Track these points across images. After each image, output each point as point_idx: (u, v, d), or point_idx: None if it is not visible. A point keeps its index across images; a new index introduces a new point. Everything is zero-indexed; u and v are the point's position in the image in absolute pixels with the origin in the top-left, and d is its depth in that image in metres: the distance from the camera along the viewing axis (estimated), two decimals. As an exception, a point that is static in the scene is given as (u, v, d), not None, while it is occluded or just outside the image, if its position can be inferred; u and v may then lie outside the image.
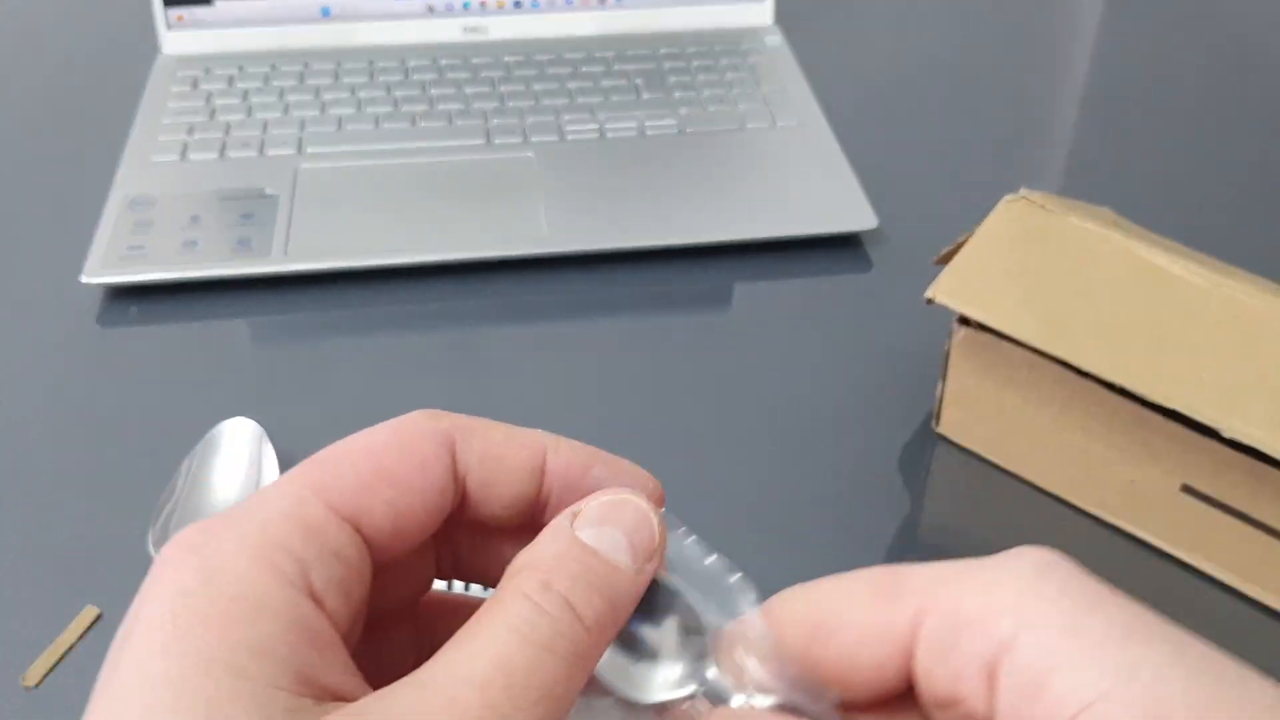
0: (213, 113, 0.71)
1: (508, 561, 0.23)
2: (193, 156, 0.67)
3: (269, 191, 0.64)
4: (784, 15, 0.81)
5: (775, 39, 0.79)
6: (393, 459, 0.23)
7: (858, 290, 0.62)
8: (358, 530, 0.22)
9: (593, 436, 0.54)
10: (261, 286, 0.60)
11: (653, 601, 0.24)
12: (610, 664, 0.23)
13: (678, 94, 0.73)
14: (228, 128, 0.69)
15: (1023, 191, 0.49)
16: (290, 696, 0.19)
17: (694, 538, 0.25)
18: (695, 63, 0.76)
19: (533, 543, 0.23)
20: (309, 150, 0.68)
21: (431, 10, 0.77)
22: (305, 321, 0.59)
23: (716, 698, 0.24)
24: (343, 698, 0.20)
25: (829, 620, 0.23)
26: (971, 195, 0.64)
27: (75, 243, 0.61)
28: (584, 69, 0.75)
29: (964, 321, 0.49)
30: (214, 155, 0.67)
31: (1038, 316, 0.46)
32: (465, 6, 0.78)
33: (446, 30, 0.78)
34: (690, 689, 0.24)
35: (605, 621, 0.22)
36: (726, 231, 0.63)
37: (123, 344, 0.58)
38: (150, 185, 0.65)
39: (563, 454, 0.25)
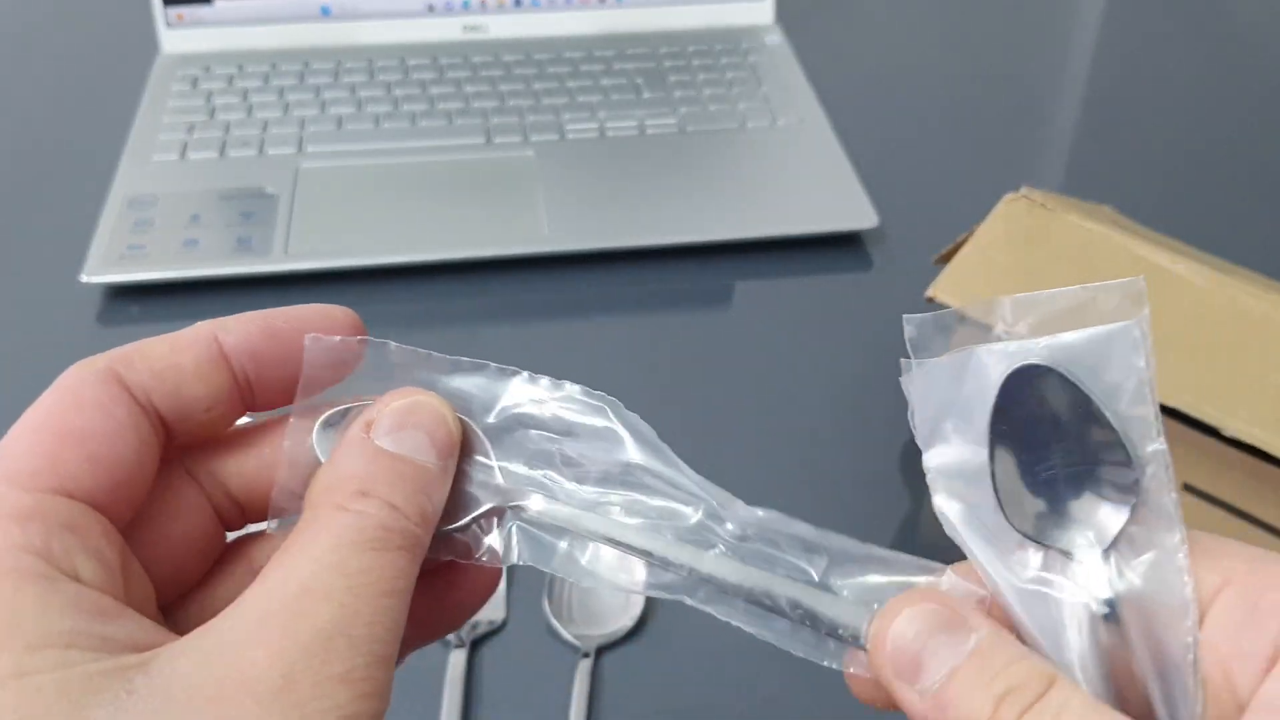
0: (212, 112, 0.71)
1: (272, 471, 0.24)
2: (193, 155, 0.67)
3: (269, 190, 0.64)
4: (784, 14, 0.81)
5: (775, 38, 0.79)
6: (66, 417, 0.23)
7: (858, 289, 0.62)
8: (71, 496, 0.22)
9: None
10: (262, 285, 0.60)
11: None
12: None
13: (678, 93, 0.73)
14: (228, 127, 0.69)
15: (1023, 190, 0.49)
16: (98, 661, 0.19)
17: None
18: (695, 61, 0.76)
19: (329, 461, 0.24)
20: (309, 149, 0.68)
21: (431, 9, 0.77)
22: (305, 320, 0.59)
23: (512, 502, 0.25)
24: (145, 648, 0.20)
25: None
26: (972, 194, 0.64)
27: (75, 242, 0.61)
28: (584, 68, 0.75)
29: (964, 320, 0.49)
30: (214, 154, 0.67)
31: (1038, 315, 0.46)
32: (465, 5, 0.78)
33: (446, 29, 0.78)
34: (487, 505, 0.25)
35: (429, 517, 0.23)
36: (727, 230, 0.63)
37: (123, 343, 0.57)
38: (150, 184, 0.65)
39: (233, 331, 0.25)
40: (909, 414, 0.25)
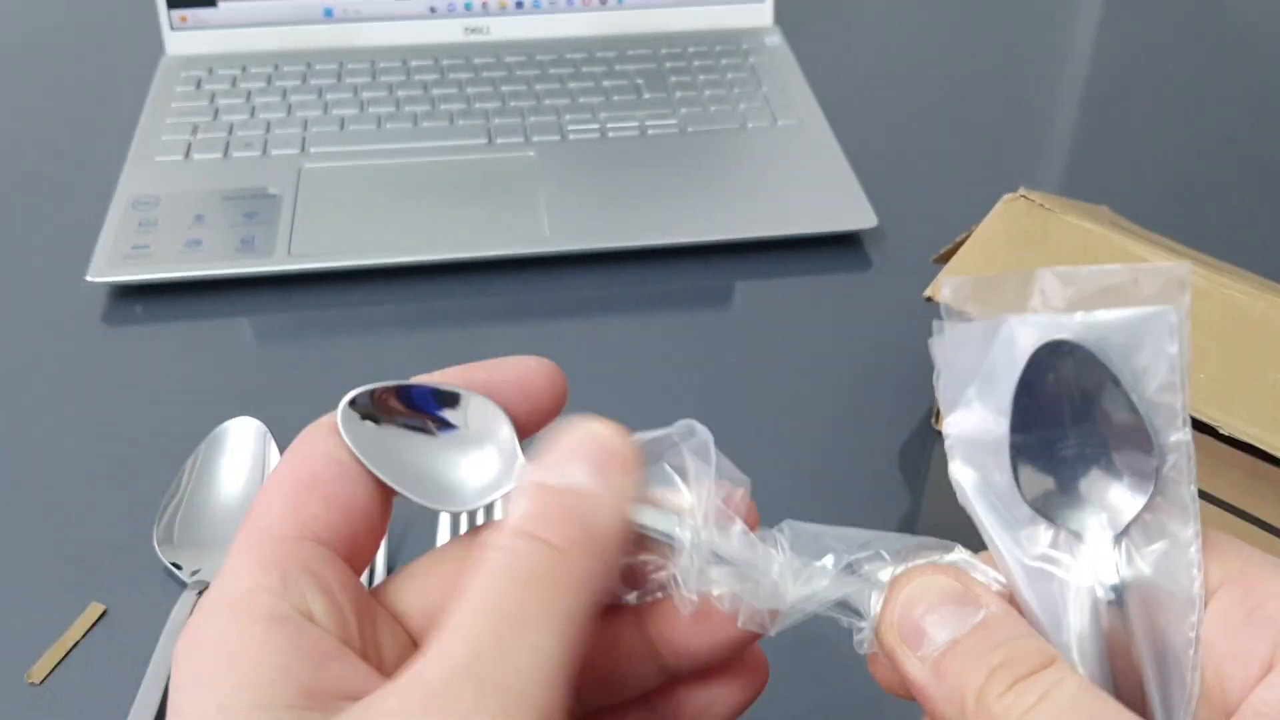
0: (216, 113, 0.71)
1: None
2: (196, 156, 0.68)
3: (272, 191, 0.65)
4: (783, 15, 0.81)
5: (775, 39, 0.80)
6: (302, 467, 0.24)
7: (857, 289, 0.62)
8: (317, 540, 0.23)
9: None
10: (265, 285, 0.61)
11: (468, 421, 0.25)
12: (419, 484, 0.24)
13: (679, 94, 0.74)
14: (231, 128, 0.70)
15: (1021, 190, 0.49)
16: (288, 712, 0.20)
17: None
18: (696, 63, 0.77)
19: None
20: (312, 150, 0.68)
21: (433, 11, 0.78)
22: (309, 320, 0.59)
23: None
24: (358, 695, 0.21)
25: None
26: (970, 194, 0.65)
27: (81, 242, 0.62)
28: (585, 69, 0.76)
29: (963, 320, 0.49)
30: (218, 155, 0.68)
31: (1036, 315, 0.46)
32: (467, 7, 0.78)
33: (448, 31, 0.78)
34: (507, 487, 0.24)
35: (579, 539, 0.22)
36: (727, 230, 0.63)
37: (128, 343, 0.58)
38: (155, 185, 0.65)
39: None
40: (934, 376, 0.25)
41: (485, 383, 0.25)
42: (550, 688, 0.20)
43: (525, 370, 0.26)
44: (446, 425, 0.25)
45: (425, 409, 0.25)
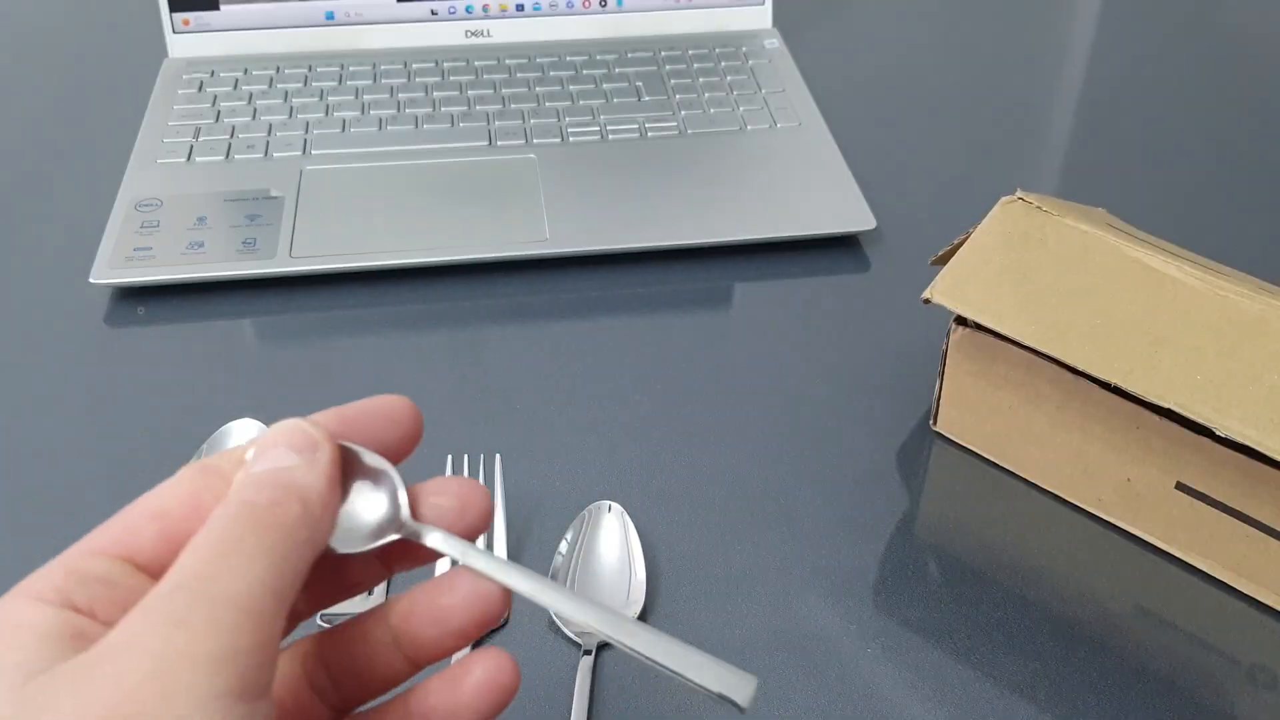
0: (218, 115, 0.71)
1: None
2: (199, 159, 0.68)
3: (274, 193, 0.65)
4: (782, 18, 0.82)
5: (774, 42, 0.80)
6: (162, 500, 0.27)
7: (856, 290, 0.62)
8: (130, 560, 0.27)
9: (594, 435, 0.55)
10: (267, 287, 0.61)
11: (356, 473, 0.29)
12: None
13: (678, 96, 0.74)
14: (233, 130, 0.70)
15: (1019, 193, 0.49)
16: (43, 662, 0.24)
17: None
18: (695, 65, 0.77)
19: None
20: (314, 152, 0.68)
21: (434, 14, 0.78)
22: (310, 322, 0.60)
23: (415, 538, 0.29)
24: None
25: None
26: (968, 197, 0.65)
27: (83, 244, 0.62)
28: (586, 72, 0.76)
29: (961, 321, 0.49)
30: (220, 157, 0.68)
31: (1034, 317, 0.46)
32: (468, 10, 0.78)
33: (449, 34, 0.78)
34: (392, 536, 0.29)
35: (280, 498, 0.26)
36: (726, 232, 0.63)
37: (130, 344, 0.58)
38: (157, 187, 0.66)
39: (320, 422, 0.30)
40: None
41: (359, 416, 0.30)
42: (255, 605, 0.24)
43: (388, 406, 0.30)
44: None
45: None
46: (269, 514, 0.26)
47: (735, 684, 0.26)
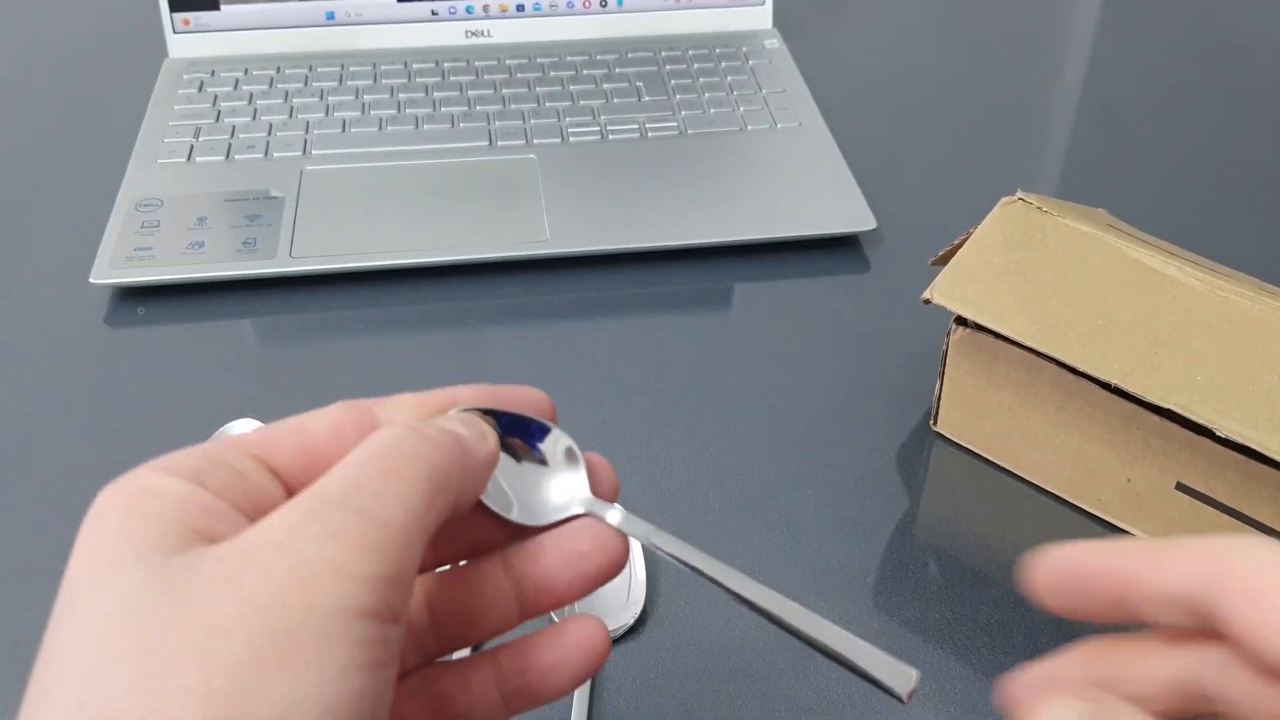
0: (219, 115, 0.71)
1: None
2: (199, 159, 0.68)
3: (274, 193, 0.65)
4: (783, 19, 0.82)
5: (774, 42, 0.80)
6: (307, 421, 0.28)
7: (856, 291, 0.62)
8: (265, 461, 0.26)
9: (595, 436, 0.55)
10: (267, 287, 0.61)
11: (530, 444, 0.30)
12: (501, 498, 0.29)
13: (678, 96, 0.74)
14: (233, 130, 0.70)
15: (1019, 193, 0.49)
16: (179, 539, 0.24)
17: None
18: (696, 65, 0.77)
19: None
20: (314, 152, 0.68)
21: (435, 14, 0.78)
22: (311, 322, 0.60)
23: (599, 516, 0.30)
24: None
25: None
26: (968, 197, 0.65)
27: (84, 244, 0.62)
28: (586, 72, 0.76)
29: (961, 322, 0.49)
30: (220, 157, 0.68)
31: (1034, 317, 0.46)
32: (468, 11, 0.78)
33: (449, 34, 0.78)
34: (576, 510, 0.30)
35: (449, 442, 0.26)
36: (727, 233, 0.63)
37: (130, 344, 0.58)
38: (157, 187, 0.66)
39: (466, 400, 0.30)
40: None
41: (509, 398, 0.30)
42: (406, 534, 0.24)
43: (531, 397, 0.31)
44: (532, 452, 0.30)
45: (520, 435, 0.30)
46: (435, 449, 0.26)
47: (898, 676, 0.27)
